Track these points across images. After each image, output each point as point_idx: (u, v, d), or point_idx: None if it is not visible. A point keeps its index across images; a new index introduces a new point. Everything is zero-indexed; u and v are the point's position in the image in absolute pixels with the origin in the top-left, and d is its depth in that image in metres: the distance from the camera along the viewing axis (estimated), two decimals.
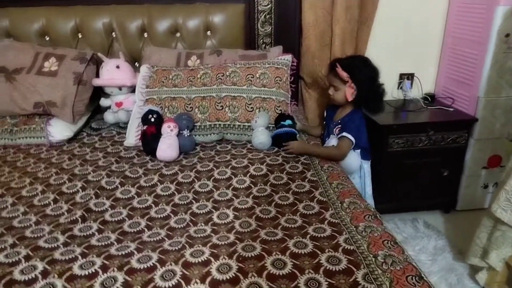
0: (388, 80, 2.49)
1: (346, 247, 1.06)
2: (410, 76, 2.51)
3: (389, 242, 1.09)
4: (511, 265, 1.60)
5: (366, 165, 1.79)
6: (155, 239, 1.13)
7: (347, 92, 1.66)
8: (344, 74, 1.63)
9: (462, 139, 2.24)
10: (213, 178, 1.48)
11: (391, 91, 2.53)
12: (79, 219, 1.24)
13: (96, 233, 1.17)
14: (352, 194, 1.35)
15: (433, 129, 2.18)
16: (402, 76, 2.51)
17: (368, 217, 1.21)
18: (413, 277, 0.97)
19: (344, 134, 1.65)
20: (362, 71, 1.66)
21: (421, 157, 2.23)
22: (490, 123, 2.21)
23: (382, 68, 2.44)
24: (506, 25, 2.01)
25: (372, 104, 1.72)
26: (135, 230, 1.19)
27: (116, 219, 1.25)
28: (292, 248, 1.07)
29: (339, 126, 1.72)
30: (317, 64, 2.25)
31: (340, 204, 1.28)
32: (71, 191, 1.40)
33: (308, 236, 1.12)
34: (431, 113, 2.32)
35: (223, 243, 1.10)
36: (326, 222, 1.19)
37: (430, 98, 2.47)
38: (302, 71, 2.29)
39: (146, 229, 1.20)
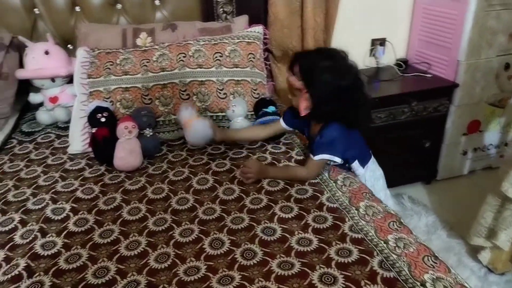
0: (361, 47, 2.31)
1: (384, 275, 0.85)
2: (382, 42, 2.32)
3: (429, 258, 0.90)
4: None
5: (361, 171, 1.32)
6: None
7: (300, 104, 1.19)
8: (295, 83, 1.17)
9: (444, 107, 2.11)
10: (193, 189, 1.19)
11: (363, 59, 2.33)
12: (24, 273, 0.91)
13: None
14: (364, 192, 1.14)
15: (415, 99, 2.02)
16: (374, 42, 2.31)
17: (393, 225, 1.01)
18: None
19: (311, 156, 1.21)
20: (325, 78, 1.14)
21: (403, 129, 2.08)
22: (471, 88, 2.10)
23: (354, 34, 2.26)
24: None
25: (348, 120, 1.19)
26: (104, 281, 0.89)
27: (74, 266, 0.93)
28: (318, 284, 0.83)
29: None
30: (287, 34, 1.98)
31: (356, 211, 1.06)
32: (6, 229, 1.06)
33: (333, 263, 0.89)
34: (408, 81, 2.16)
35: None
36: (348, 239, 0.96)
37: (404, 64, 2.30)
38: (270, 43, 1.99)
39: (118, 277, 0.90)
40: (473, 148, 2.29)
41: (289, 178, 1.21)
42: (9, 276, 0.90)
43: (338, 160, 1.20)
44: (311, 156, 1.20)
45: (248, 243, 0.97)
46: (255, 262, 0.91)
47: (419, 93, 2.03)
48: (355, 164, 1.28)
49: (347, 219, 1.03)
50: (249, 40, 1.60)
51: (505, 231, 1.46)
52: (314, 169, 1.21)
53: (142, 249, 0.98)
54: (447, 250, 1.77)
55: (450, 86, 2.08)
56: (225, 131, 1.41)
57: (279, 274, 0.87)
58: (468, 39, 1.97)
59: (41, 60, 1.57)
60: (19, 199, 1.17)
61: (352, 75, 1.17)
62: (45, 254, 0.97)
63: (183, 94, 1.47)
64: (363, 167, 1.30)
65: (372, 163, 1.35)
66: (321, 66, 1.15)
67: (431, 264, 0.88)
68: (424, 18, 2.22)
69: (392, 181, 2.20)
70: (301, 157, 1.33)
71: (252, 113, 1.51)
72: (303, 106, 1.18)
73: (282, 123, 1.36)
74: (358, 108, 1.18)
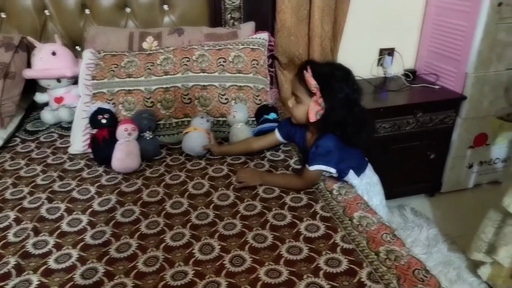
0: (368, 56, 2.30)
1: (372, 287, 0.84)
2: (390, 51, 2.30)
3: (420, 272, 0.88)
4: None
5: (357, 181, 1.28)
6: None
7: (311, 109, 1.15)
8: (312, 82, 1.13)
9: (450, 119, 2.08)
10: (188, 193, 1.19)
11: (371, 68, 2.32)
12: (13, 271, 0.92)
13: None
14: (359, 203, 1.13)
15: (421, 110, 2.00)
16: (382, 52, 2.30)
17: (386, 237, 0.99)
18: None
19: (307, 166, 1.20)
20: (340, 85, 1.14)
21: (408, 141, 2.06)
22: (478, 101, 2.06)
23: (362, 43, 2.25)
24: None
25: (349, 135, 1.17)
26: (91, 282, 0.89)
27: (63, 266, 0.94)
28: None
29: None
30: (293, 42, 1.97)
31: (349, 222, 1.05)
32: (0, 226, 1.07)
33: (321, 272, 0.88)
34: (415, 92, 2.14)
35: None
36: (338, 249, 0.95)
37: (412, 75, 2.28)
38: (277, 50, 1.99)
39: (106, 279, 0.90)
40: (479, 161, 2.25)
41: (284, 186, 1.21)
42: None
43: (333, 171, 1.19)
44: (307, 166, 1.20)
45: (238, 249, 0.97)
46: (243, 269, 0.90)
47: (426, 104, 2.01)
48: (351, 174, 1.26)
49: (339, 229, 1.02)
50: (254, 47, 1.61)
51: (506, 247, 1.43)
52: (309, 179, 1.21)
53: (132, 252, 0.98)
54: (446, 264, 1.74)
55: (458, 99, 2.05)
56: (221, 147, 1.43)
57: (265, 282, 0.86)
58: (478, 52, 1.95)
59: (48, 60, 1.59)
60: (16, 197, 1.18)
61: (360, 93, 1.19)
62: (36, 253, 0.97)
63: (185, 98, 1.48)
64: (359, 175, 1.29)
65: (369, 170, 1.34)
66: (338, 74, 1.16)
67: (421, 278, 0.86)
68: (434, 29, 2.20)
69: (395, 192, 2.20)
70: (299, 166, 1.32)
71: (254, 119, 1.51)
72: (315, 110, 1.15)
73: (277, 135, 1.36)
74: (362, 127, 1.18)
